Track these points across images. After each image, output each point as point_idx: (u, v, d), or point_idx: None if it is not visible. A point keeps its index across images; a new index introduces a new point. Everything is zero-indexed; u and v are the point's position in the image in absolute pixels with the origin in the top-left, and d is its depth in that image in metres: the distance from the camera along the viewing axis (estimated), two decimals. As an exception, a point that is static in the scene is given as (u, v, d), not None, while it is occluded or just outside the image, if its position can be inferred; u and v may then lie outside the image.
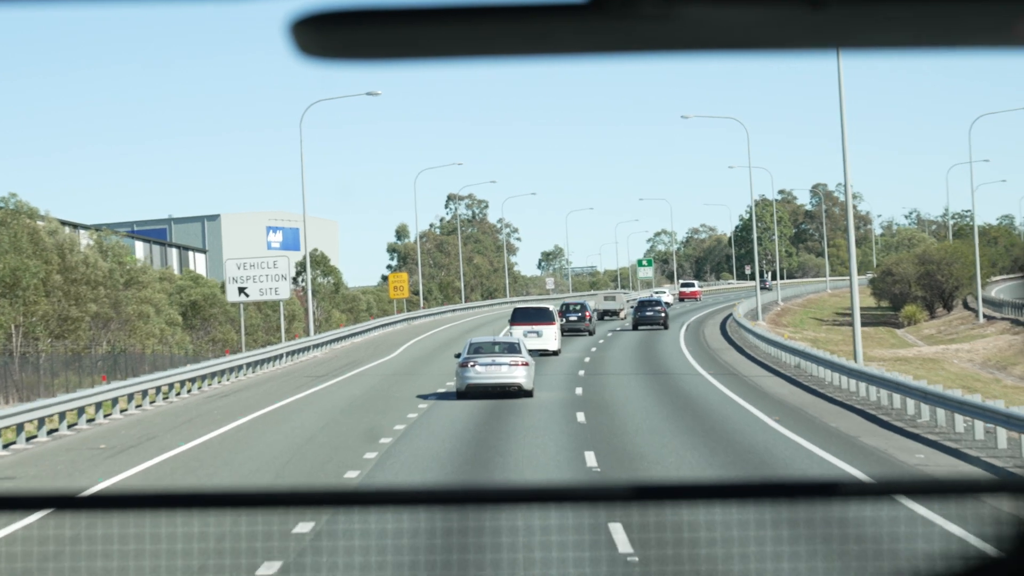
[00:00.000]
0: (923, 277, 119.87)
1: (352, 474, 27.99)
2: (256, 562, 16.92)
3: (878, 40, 2.14)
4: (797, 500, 2.59)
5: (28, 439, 37.38)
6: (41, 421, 38.03)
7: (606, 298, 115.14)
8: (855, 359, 52.38)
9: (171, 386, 50.28)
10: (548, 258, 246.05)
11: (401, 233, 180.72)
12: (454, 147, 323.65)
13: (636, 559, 17.07)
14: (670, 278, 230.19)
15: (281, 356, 68.30)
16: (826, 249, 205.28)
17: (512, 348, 46.18)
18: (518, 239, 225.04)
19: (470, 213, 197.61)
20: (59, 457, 33.57)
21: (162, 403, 48.11)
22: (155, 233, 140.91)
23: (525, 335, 65.55)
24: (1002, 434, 31.33)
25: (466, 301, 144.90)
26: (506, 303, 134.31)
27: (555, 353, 67.72)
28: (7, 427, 36.12)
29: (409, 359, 68.77)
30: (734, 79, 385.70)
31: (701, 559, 16.19)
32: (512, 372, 45.07)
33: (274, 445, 33.74)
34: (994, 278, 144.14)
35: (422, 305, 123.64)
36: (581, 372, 56.63)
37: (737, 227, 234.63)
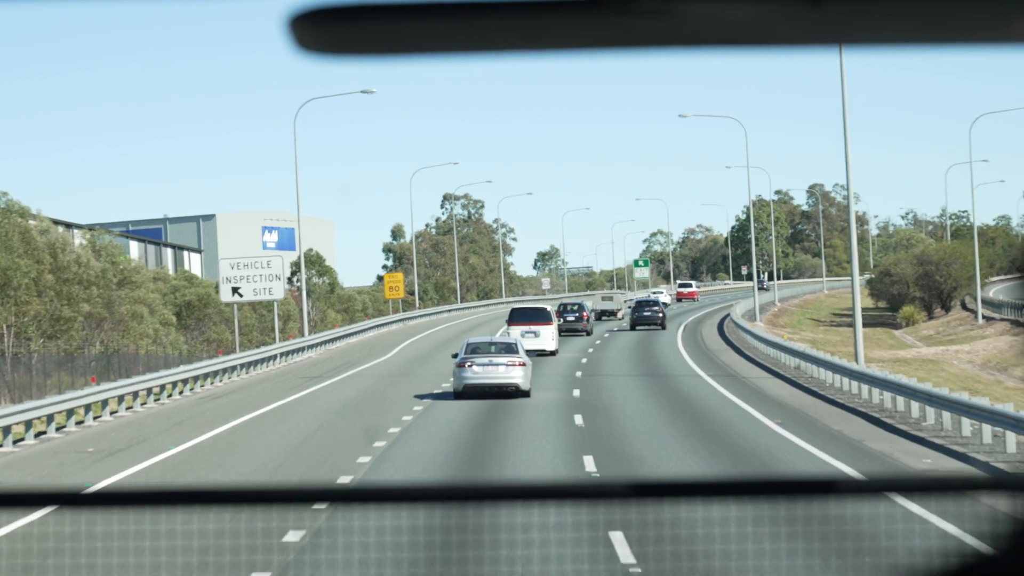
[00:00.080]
0: (921, 278, 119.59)
1: (346, 479, 27.48)
2: (255, 559, 16.84)
3: (877, 36, 2.15)
4: (795, 497, 2.62)
5: (15, 442, 36.79)
6: (28, 424, 37.39)
7: (604, 298, 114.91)
8: (856, 360, 51.79)
9: (163, 387, 49.62)
10: (544, 258, 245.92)
11: (397, 233, 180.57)
12: (450, 146, 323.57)
13: (639, 570, 16.55)
14: (666, 278, 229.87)
15: (275, 357, 67.76)
16: (823, 249, 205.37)
17: (509, 348, 45.89)
18: (514, 239, 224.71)
19: (466, 213, 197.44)
20: (46, 460, 32.97)
21: (153, 405, 47.46)
22: (151, 233, 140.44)
23: (523, 335, 65.17)
24: (1011, 438, 30.75)
25: (462, 301, 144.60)
26: (502, 303, 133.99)
27: (552, 353, 67.36)
28: (-6, 429, 35.58)
29: (405, 360, 68.25)
30: (732, 78, 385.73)
31: (702, 571, 15.80)
32: (509, 372, 44.88)
33: (267, 448, 33.17)
34: (992, 279, 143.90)
35: (418, 305, 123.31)
36: (579, 373, 56.12)
37: (733, 227, 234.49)
